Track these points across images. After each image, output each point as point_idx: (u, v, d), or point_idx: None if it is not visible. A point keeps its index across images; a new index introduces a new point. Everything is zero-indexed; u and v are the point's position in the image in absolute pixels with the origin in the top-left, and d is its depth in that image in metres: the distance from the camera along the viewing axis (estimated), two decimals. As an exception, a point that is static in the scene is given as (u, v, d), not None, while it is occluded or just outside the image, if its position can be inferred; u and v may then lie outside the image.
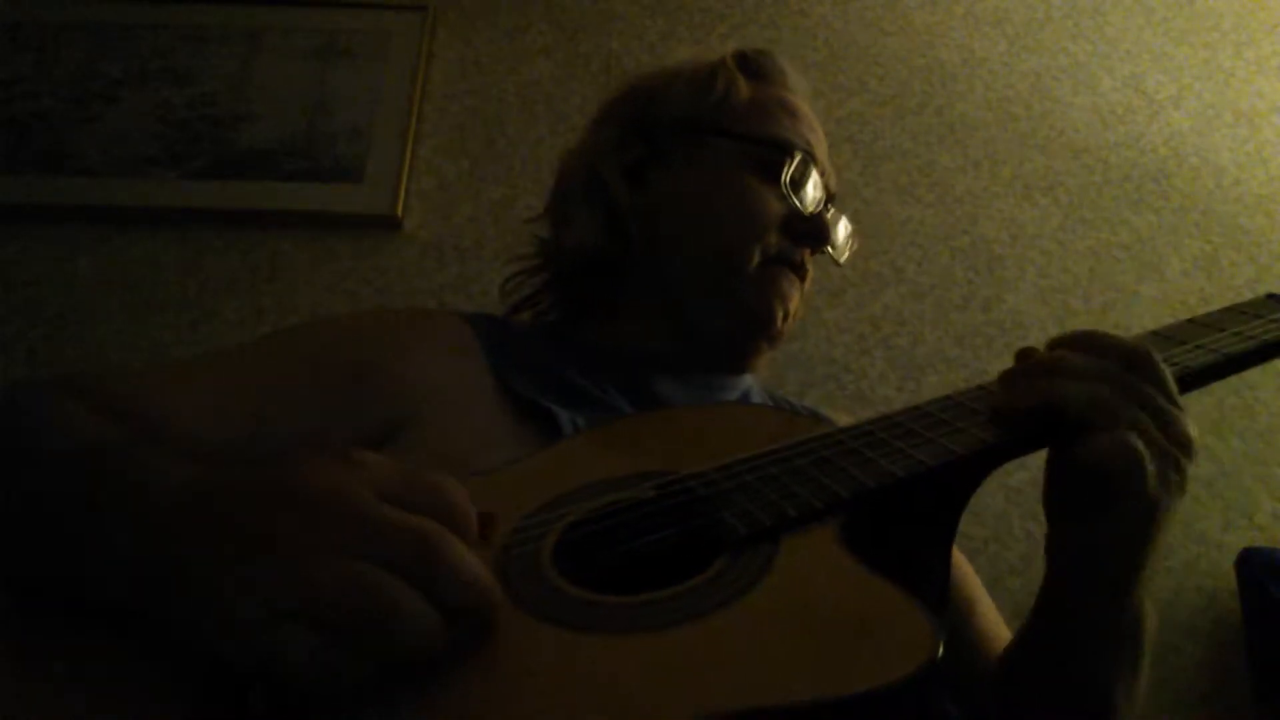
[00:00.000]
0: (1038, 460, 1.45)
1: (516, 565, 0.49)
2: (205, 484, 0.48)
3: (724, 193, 0.90)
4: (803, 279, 0.92)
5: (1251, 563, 1.30)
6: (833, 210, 0.95)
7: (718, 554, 0.49)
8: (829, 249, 0.94)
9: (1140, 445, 0.56)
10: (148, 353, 1.50)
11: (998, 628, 0.85)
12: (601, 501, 0.55)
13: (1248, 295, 1.70)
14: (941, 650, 0.39)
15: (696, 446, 0.61)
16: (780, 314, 0.89)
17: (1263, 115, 1.89)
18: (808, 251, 0.91)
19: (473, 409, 0.73)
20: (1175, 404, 0.60)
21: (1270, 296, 0.73)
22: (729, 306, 0.88)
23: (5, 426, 0.62)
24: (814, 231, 0.91)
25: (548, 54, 1.84)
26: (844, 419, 0.82)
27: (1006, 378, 0.62)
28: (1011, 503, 1.42)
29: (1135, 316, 1.63)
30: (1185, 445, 0.60)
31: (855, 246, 1.02)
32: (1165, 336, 0.69)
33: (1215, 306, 0.76)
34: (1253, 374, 0.70)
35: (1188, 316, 0.71)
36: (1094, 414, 0.57)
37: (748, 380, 0.94)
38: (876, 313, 1.61)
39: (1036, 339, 1.58)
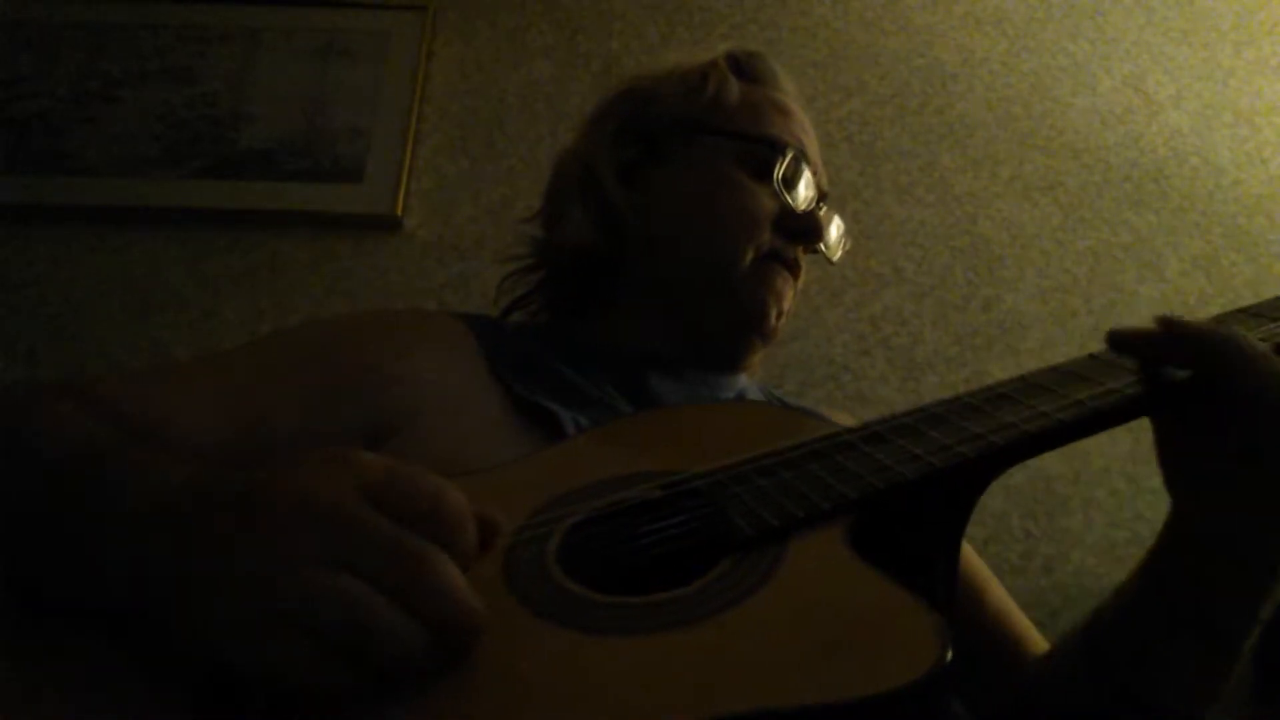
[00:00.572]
0: (1037, 461, 1.45)
1: (521, 565, 0.49)
2: (201, 486, 0.47)
3: (717, 191, 0.91)
4: (796, 276, 0.92)
5: (1252, 562, 1.30)
6: (825, 209, 0.96)
7: (724, 555, 0.49)
8: (821, 247, 0.95)
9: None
10: (148, 353, 1.49)
11: (1008, 613, 0.84)
12: (606, 501, 0.54)
13: (1248, 295, 1.71)
14: (950, 654, 0.39)
15: (702, 446, 0.61)
16: (774, 311, 0.89)
17: (1263, 115, 1.89)
18: (801, 249, 0.92)
19: (472, 410, 0.73)
20: None
21: None
22: (723, 304, 0.89)
23: (2, 429, 0.61)
24: (806, 229, 0.91)
25: (548, 54, 1.84)
26: (844, 419, 0.82)
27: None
28: (1011, 503, 1.42)
29: (1135, 316, 1.63)
30: None
31: (848, 245, 1.02)
32: (1254, 313, 0.67)
33: (1215, 306, 0.76)
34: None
35: (1188, 316, 0.70)
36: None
37: (743, 380, 0.94)
38: (876, 313, 1.61)
39: (1036, 339, 1.59)
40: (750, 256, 0.88)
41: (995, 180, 1.76)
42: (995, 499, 1.42)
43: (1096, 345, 0.68)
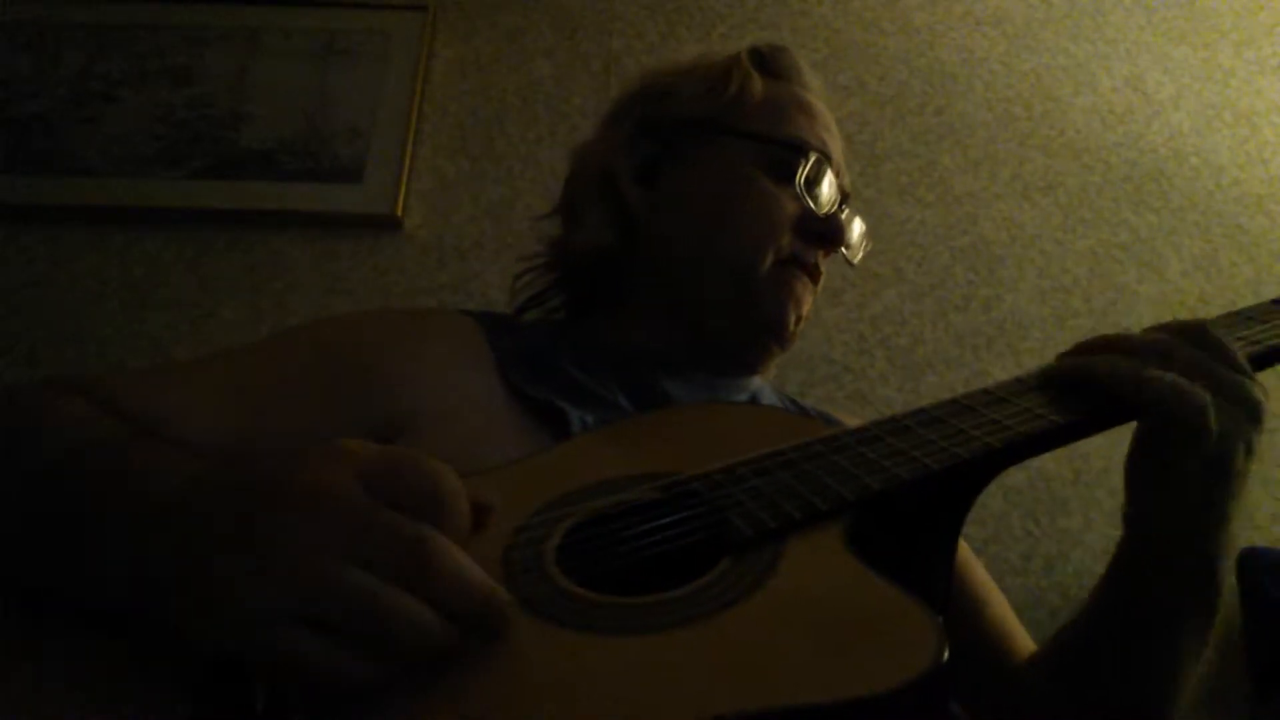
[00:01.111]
0: (1037, 462, 1.44)
1: (520, 565, 0.49)
2: (207, 481, 0.48)
3: (738, 193, 0.89)
4: (815, 280, 0.91)
5: (1251, 563, 1.30)
6: (847, 210, 0.94)
7: (722, 555, 0.49)
8: (843, 250, 0.93)
9: (1207, 400, 0.59)
10: (148, 353, 1.49)
11: (1008, 623, 0.85)
12: (606, 502, 0.55)
13: (1248, 295, 1.70)
14: (947, 654, 0.39)
15: (702, 447, 0.61)
16: (793, 317, 0.88)
17: (1263, 115, 1.89)
18: (822, 253, 0.91)
19: (480, 407, 0.73)
20: (1238, 370, 0.62)
21: None
22: (741, 309, 0.87)
23: (3, 426, 0.61)
24: (829, 233, 0.90)
25: (548, 54, 1.84)
26: (853, 421, 0.82)
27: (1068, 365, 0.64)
28: (1011, 503, 1.42)
29: (1135, 316, 1.63)
30: (1251, 406, 0.62)
31: (869, 247, 1.01)
32: (1247, 316, 0.70)
33: (1215, 306, 0.77)
34: (1253, 376, 0.70)
35: (1188, 316, 0.71)
36: (1145, 389, 0.60)
37: (756, 382, 0.93)
38: (876, 313, 1.61)
39: (1036, 339, 1.59)
40: (770, 261, 0.87)
41: (995, 180, 1.76)
42: (995, 499, 1.41)
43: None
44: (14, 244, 1.58)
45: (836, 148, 0.95)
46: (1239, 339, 0.66)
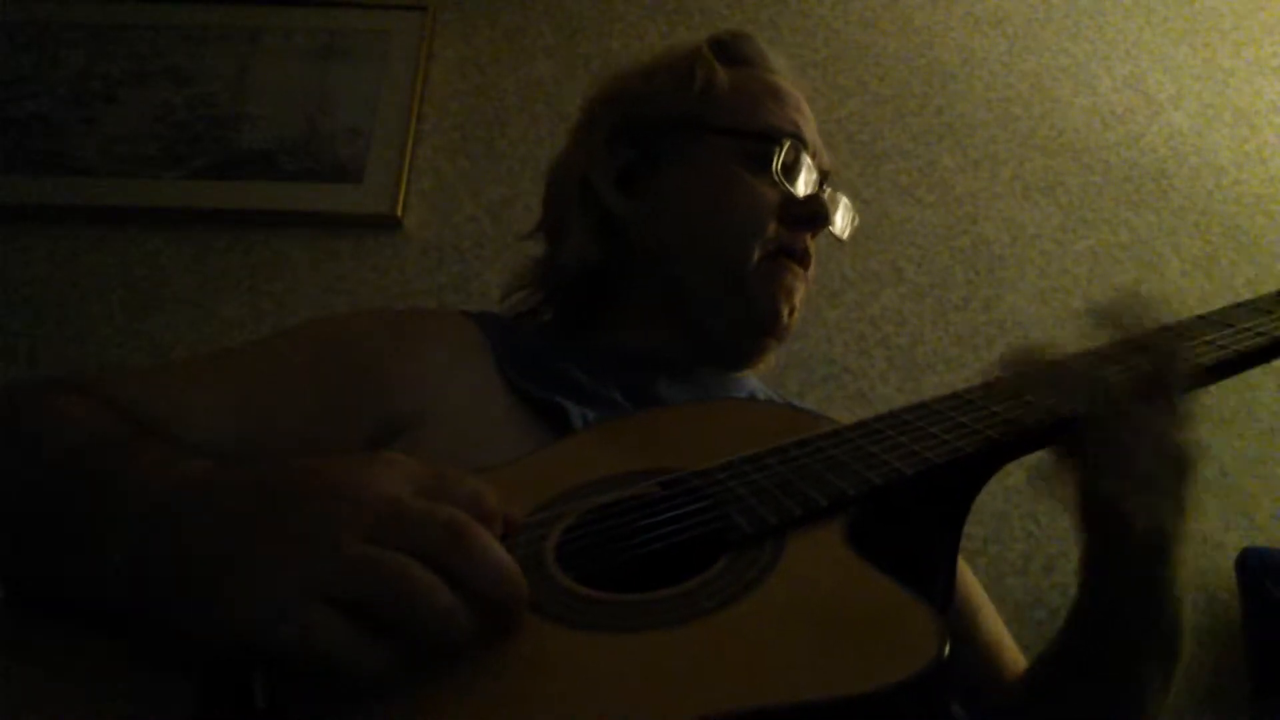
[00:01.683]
0: (1038, 461, 1.44)
1: (520, 562, 0.49)
2: (218, 478, 0.48)
3: (718, 191, 0.89)
4: (806, 266, 0.90)
5: (1251, 563, 1.30)
6: (829, 189, 0.94)
7: (723, 552, 0.49)
8: (831, 229, 0.93)
9: (1127, 492, 0.59)
10: (148, 353, 1.49)
11: (1002, 636, 0.85)
12: (606, 499, 0.54)
13: (1247, 295, 1.70)
14: (948, 649, 0.39)
15: (702, 444, 0.61)
16: (786, 309, 0.88)
17: (1262, 115, 1.89)
18: (809, 235, 0.90)
19: (480, 406, 0.73)
20: (1173, 413, 0.60)
21: None
22: (735, 307, 0.87)
23: (4, 425, 0.61)
24: (812, 215, 0.89)
25: (548, 54, 1.84)
26: (846, 419, 0.82)
27: (1004, 385, 0.64)
28: (1011, 503, 1.42)
29: (1135, 316, 1.63)
30: (1180, 462, 0.61)
31: (856, 221, 1.00)
32: (1253, 308, 0.70)
33: (1215, 306, 0.76)
34: (1253, 373, 0.71)
35: (1189, 315, 0.71)
36: (1089, 430, 0.59)
37: (752, 382, 0.93)
38: (876, 313, 1.61)
39: (1036, 339, 1.59)
40: (758, 255, 0.86)
41: (995, 180, 1.76)
42: (995, 499, 1.41)
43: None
44: (14, 244, 1.58)
45: (810, 127, 0.94)
46: (1245, 329, 0.66)
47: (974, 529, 1.38)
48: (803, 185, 0.89)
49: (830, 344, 1.57)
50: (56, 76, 1.73)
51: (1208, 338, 0.66)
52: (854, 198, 1.67)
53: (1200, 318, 0.70)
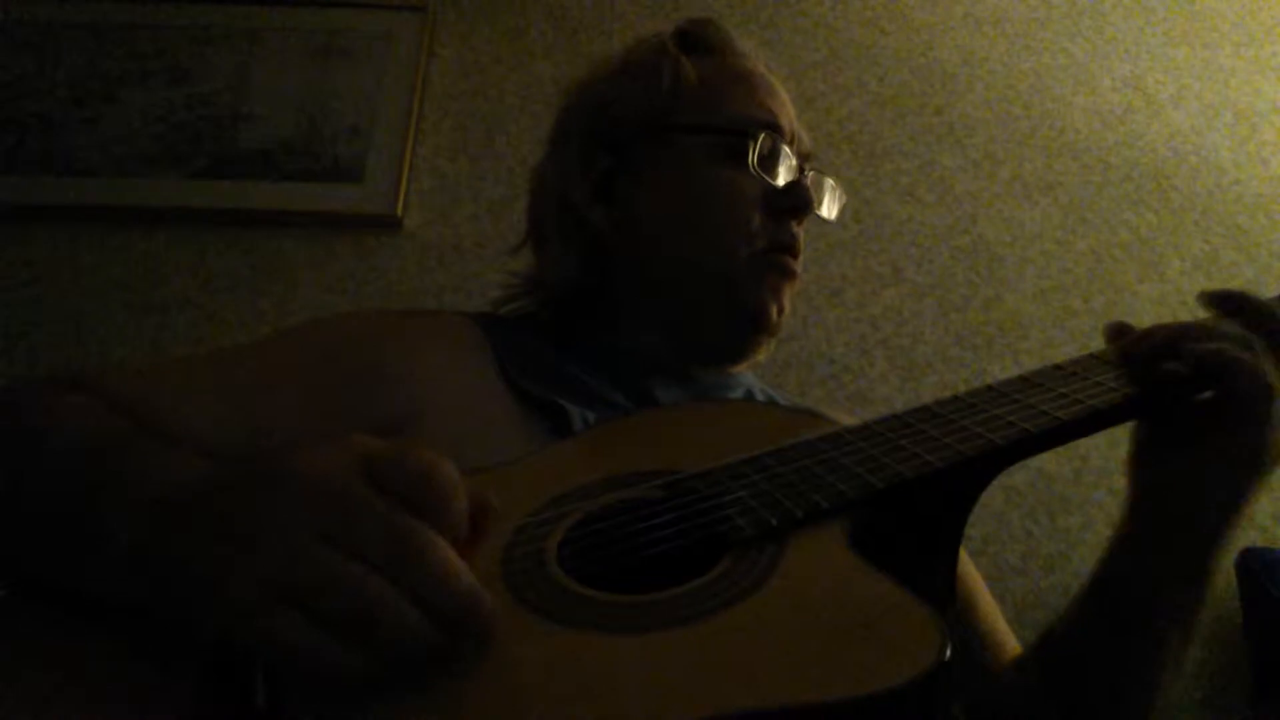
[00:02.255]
0: (1037, 461, 1.44)
1: (521, 563, 0.49)
2: (208, 477, 0.48)
3: (697, 192, 0.87)
4: (796, 255, 0.88)
5: (1251, 563, 1.30)
6: (811, 172, 0.91)
7: (724, 553, 0.49)
8: (818, 212, 0.91)
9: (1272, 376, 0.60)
10: (148, 353, 1.49)
11: (997, 625, 0.84)
12: (607, 500, 0.54)
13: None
14: (950, 652, 0.39)
15: (703, 445, 0.61)
16: (774, 307, 0.86)
17: (1263, 115, 1.89)
18: (796, 224, 0.88)
19: (480, 406, 0.73)
20: None
21: None
22: (726, 307, 0.86)
23: (4, 423, 0.62)
24: (795, 203, 0.87)
25: (548, 54, 1.84)
26: (845, 418, 0.82)
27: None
28: (1011, 503, 1.42)
29: (1135, 316, 1.62)
30: None
31: (843, 199, 0.98)
32: None
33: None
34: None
35: (1188, 316, 0.70)
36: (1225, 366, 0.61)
37: (748, 378, 0.93)
38: (876, 313, 1.61)
39: (1036, 339, 1.59)
40: (745, 252, 0.85)
41: (995, 180, 1.76)
42: (995, 499, 1.41)
43: (1096, 345, 0.69)
44: (14, 244, 1.58)
45: (785, 110, 0.91)
46: None
47: (974, 529, 1.38)
48: (783, 174, 0.87)
49: (830, 344, 1.57)
50: (56, 76, 1.73)
51: None
52: (854, 197, 1.69)
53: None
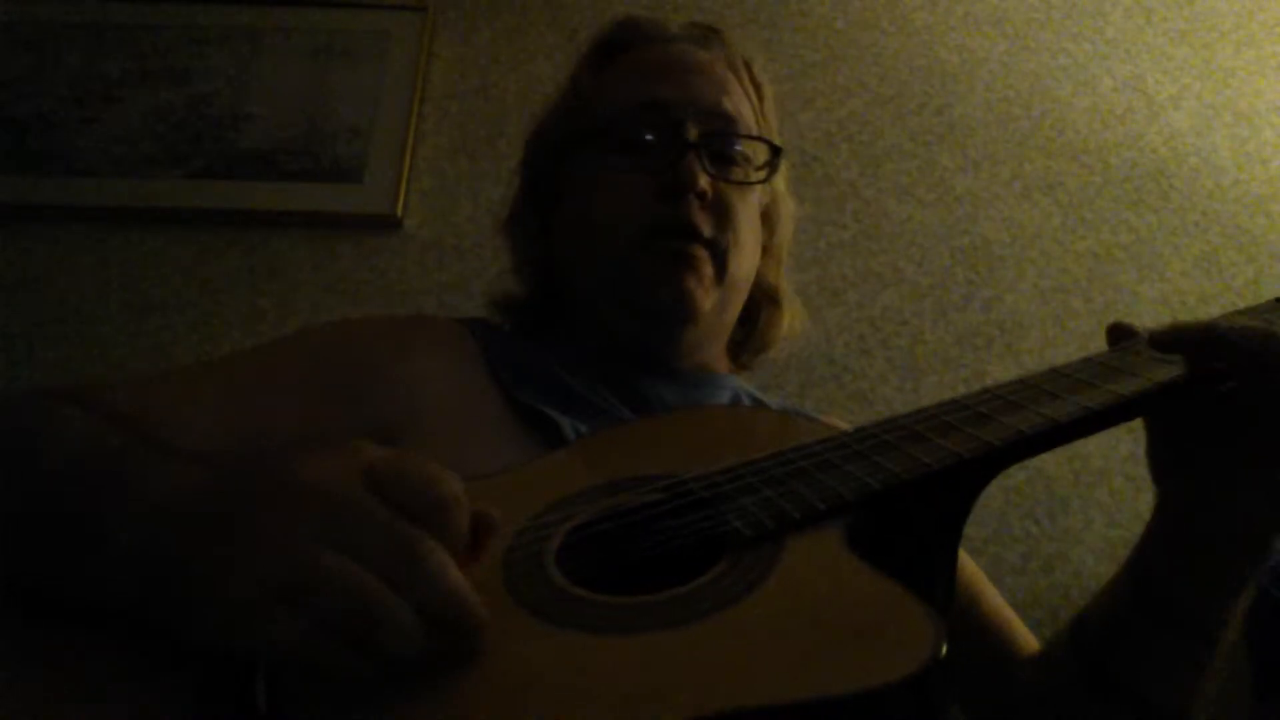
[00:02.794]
0: (1037, 461, 1.44)
1: (520, 567, 0.49)
2: (208, 483, 0.48)
3: (589, 200, 0.87)
4: (687, 234, 0.82)
5: (1252, 563, 1.30)
6: (706, 145, 0.85)
7: (722, 555, 0.49)
8: (721, 179, 0.85)
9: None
10: (148, 352, 1.50)
11: (1004, 616, 0.84)
12: (606, 504, 0.55)
13: (1248, 295, 1.70)
14: (945, 650, 0.39)
15: (700, 449, 0.61)
16: (675, 292, 0.81)
17: (1263, 115, 1.89)
18: (686, 205, 0.82)
19: (473, 415, 0.73)
20: None
21: None
22: (635, 307, 0.84)
23: (4, 430, 0.62)
24: (675, 183, 0.82)
25: (548, 54, 1.84)
26: (836, 422, 0.82)
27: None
28: (1011, 503, 1.42)
29: (1135, 316, 1.62)
30: None
31: (767, 156, 0.91)
32: (1250, 314, 0.69)
33: (1215, 306, 0.77)
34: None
35: (1188, 316, 0.71)
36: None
37: (733, 380, 0.92)
38: (876, 313, 1.61)
39: (1036, 339, 1.59)
40: (638, 246, 0.82)
41: (995, 180, 1.76)
42: (995, 499, 1.41)
43: (1096, 345, 0.69)
44: (14, 244, 1.58)
45: (677, 82, 0.87)
46: None
47: (974, 529, 1.38)
48: (657, 154, 0.84)
49: (830, 344, 1.57)
50: (56, 76, 1.73)
51: None
52: (854, 197, 1.69)
53: (1236, 313, 0.70)
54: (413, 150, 1.69)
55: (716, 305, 0.85)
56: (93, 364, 1.48)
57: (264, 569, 0.41)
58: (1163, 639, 0.66)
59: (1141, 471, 1.50)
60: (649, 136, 0.84)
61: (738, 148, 0.88)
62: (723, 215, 0.85)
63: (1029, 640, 0.82)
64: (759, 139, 0.91)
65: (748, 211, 0.88)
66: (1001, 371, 1.54)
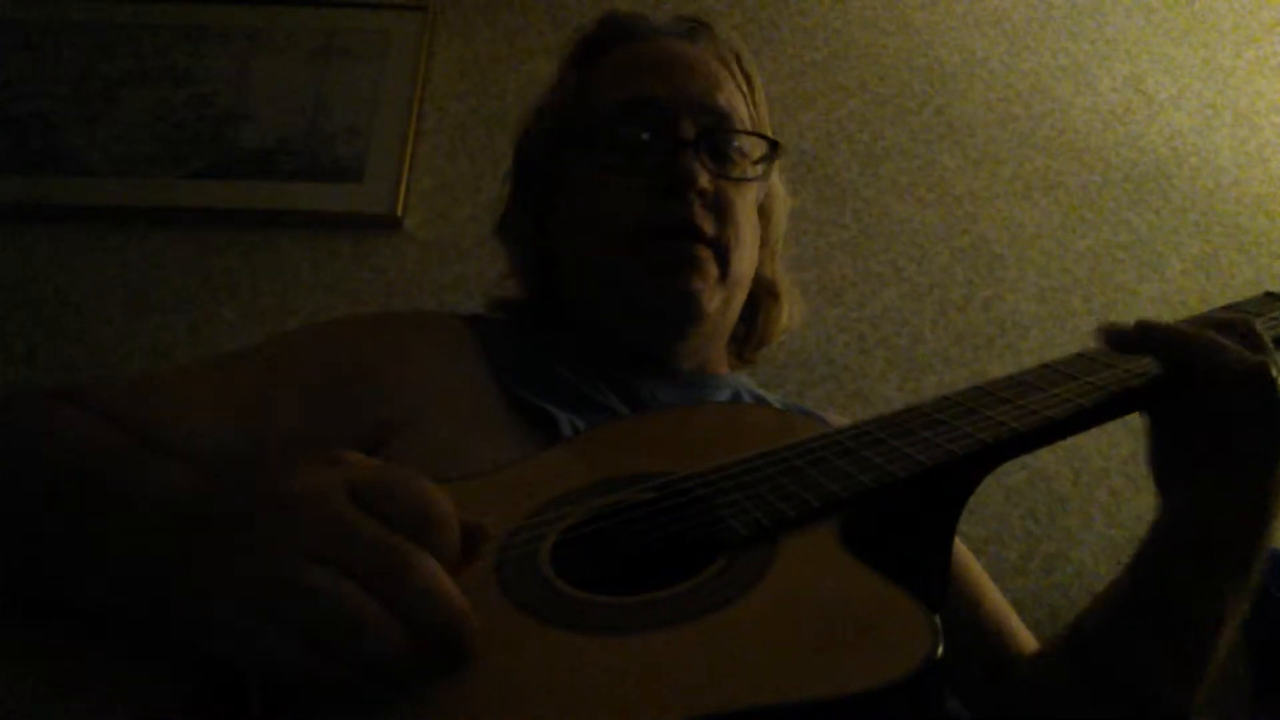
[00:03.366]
0: (1037, 461, 1.43)
1: (514, 566, 0.49)
2: (201, 488, 0.48)
3: (586, 204, 0.86)
4: (689, 233, 0.81)
5: (1252, 562, 1.30)
6: (703, 142, 0.83)
7: (717, 554, 0.49)
8: (721, 177, 0.84)
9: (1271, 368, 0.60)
10: (148, 352, 1.49)
11: (1006, 616, 0.84)
12: (601, 503, 0.55)
13: (1248, 295, 1.70)
14: (941, 648, 0.39)
15: (695, 447, 0.61)
16: (679, 293, 0.80)
17: (1263, 115, 1.89)
18: (685, 203, 0.81)
19: (473, 411, 0.73)
20: None
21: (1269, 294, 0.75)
22: (637, 309, 0.83)
23: (4, 432, 0.62)
24: (673, 183, 0.80)
25: (548, 54, 1.84)
26: (839, 419, 0.81)
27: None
28: (1011, 503, 1.42)
29: (1135, 316, 1.61)
30: None
31: (765, 151, 0.90)
32: (1243, 309, 0.72)
33: (1215, 306, 0.77)
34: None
35: (1188, 315, 0.71)
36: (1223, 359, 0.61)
37: (734, 378, 0.92)
38: (876, 313, 1.61)
39: (1036, 339, 1.59)
40: (636, 248, 0.81)
41: (995, 180, 1.76)
42: (995, 499, 1.41)
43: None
44: (14, 244, 1.58)
45: (667, 79, 0.85)
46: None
47: (974, 529, 1.38)
48: (651, 153, 0.82)
49: (830, 344, 1.57)
50: (56, 76, 1.73)
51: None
52: (854, 197, 1.69)
53: (1228, 307, 0.73)
54: (413, 150, 1.69)
55: (720, 305, 0.85)
56: (93, 364, 1.48)
57: (249, 580, 0.40)
58: (1161, 640, 0.66)
59: (1141, 471, 1.50)
60: (644, 135, 0.83)
61: (735, 144, 0.87)
62: (723, 213, 0.83)
63: (1029, 641, 0.82)
64: (756, 134, 0.90)
65: (746, 208, 0.87)
66: (1001, 371, 1.53)
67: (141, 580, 0.45)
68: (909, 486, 0.53)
